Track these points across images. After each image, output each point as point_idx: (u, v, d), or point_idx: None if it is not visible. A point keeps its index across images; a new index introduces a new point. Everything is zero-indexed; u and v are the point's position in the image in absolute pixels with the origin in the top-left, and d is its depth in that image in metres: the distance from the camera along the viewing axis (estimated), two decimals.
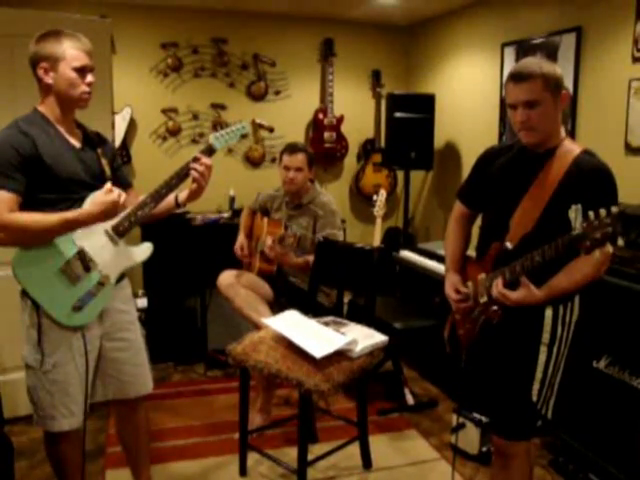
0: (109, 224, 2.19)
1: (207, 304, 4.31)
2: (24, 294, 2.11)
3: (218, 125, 4.80)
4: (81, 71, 2.08)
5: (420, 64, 5.25)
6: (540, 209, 1.99)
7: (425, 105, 4.64)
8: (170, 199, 2.32)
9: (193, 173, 2.23)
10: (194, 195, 2.29)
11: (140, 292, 4.42)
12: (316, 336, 2.66)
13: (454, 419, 3.09)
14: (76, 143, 2.18)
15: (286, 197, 3.50)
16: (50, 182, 2.05)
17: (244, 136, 4.57)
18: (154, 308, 4.30)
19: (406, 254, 4.22)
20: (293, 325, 2.77)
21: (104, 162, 2.24)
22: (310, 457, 2.71)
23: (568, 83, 3.50)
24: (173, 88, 4.77)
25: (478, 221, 2.35)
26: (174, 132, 4.79)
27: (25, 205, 2.02)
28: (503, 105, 3.99)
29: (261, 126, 5.01)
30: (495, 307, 2.09)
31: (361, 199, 5.30)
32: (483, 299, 2.14)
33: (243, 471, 2.92)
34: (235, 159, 5.00)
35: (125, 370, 2.33)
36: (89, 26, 3.19)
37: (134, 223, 2.22)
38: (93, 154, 2.22)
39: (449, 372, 3.60)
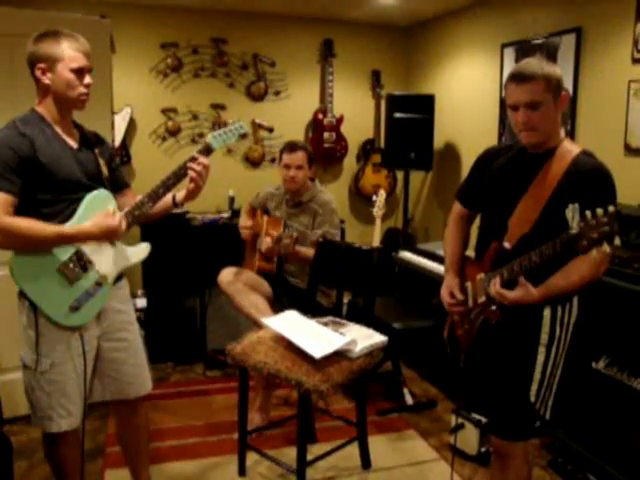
0: None
1: (206, 304, 4.32)
2: (21, 295, 2.11)
3: (217, 125, 4.81)
4: (79, 72, 2.07)
5: (420, 65, 5.25)
6: (539, 209, 1.99)
7: (425, 106, 4.64)
8: (168, 198, 2.32)
9: (191, 173, 2.22)
10: (192, 195, 2.29)
11: (139, 292, 4.42)
12: (315, 336, 2.66)
13: (453, 419, 3.09)
14: (73, 144, 2.17)
15: (286, 195, 3.51)
16: (47, 183, 2.05)
17: (243, 136, 4.57)
18: (153, 308, 4.30)
19: (405, 254, 4.22)
20: (292, 325, 2.77)
21: (101, 163, 2.24)
22: (309, 457, 2.71)
23: (568, 84, 3.51)
24: (173, 88, 4.77)
25: (477, 221, 2.35)
26: (174, 132, 4.79)
27: (21, 205, 2.01)
28: (503, 106, 3.99)
29: (261, 126, 5.01)
30: (494, 307, 2.09)
31: (360, 199, 5.31)
32: (481, 299, 2.14)
33: (242, 471, 2.92)
34: (235, 159, 5.00)
35: (124, 370, 2.33)
36: (89, 26, 3.20)
37: (131, 223, 2.22)
38: (90, 155, 2.22)
39: (448, 372, 3.60)
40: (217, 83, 4.87)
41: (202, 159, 2.24)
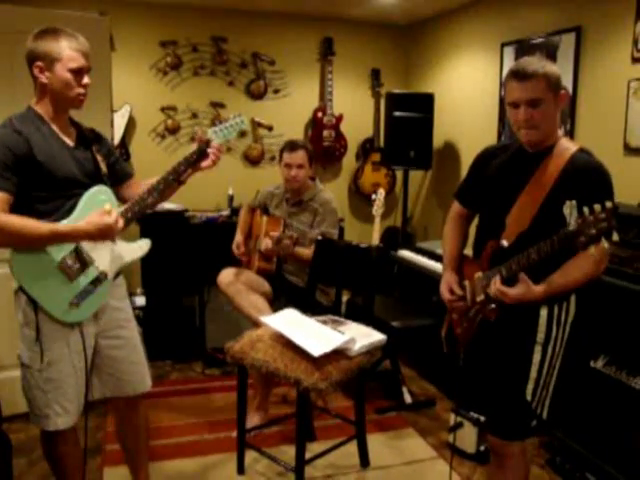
0: None
1: (205, 302, 4.32)
2: (19, 291, 2.10)
3: (217, 123, 4.79)
4: (77, 72, 2.05)
5: (419, 63, 5.25)
6: (536, 207, 1.99)
7: (424, 104, 4.64)
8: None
9: (212, 156, 2.25)
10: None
11: (139, 290, 4.43)
12: (314, 334, 2.66)
13: (452, 418, 3.10)
14: (70, 142, 2.16)
15: (286, 194, 3.51)
16: (44, 180, 2.04)
17: (243, 132, 4.58)
18: (152, 306, 4.31)
19: (404, 253, 4.22)
20: (291, 323, 2.77)
21: (99, 159, 2.24)
22: (308, 455, 2.71)
23: (567, 83, 3.51)
24: (172, 86, 4.77)
25: (475, 220, 2.35)
26: (173, 130, 4.79)
27: (18, 203, 2.00)
28: (502, 104, 4.00)
29: (260, 125, 5.01)
30: (492, 305, 2.09)
31: (360, 198, 5.31)
32: (480, 298, 2.14)
33: (241, 469, 2.92)
34: (234, 157, 5.00)
35: (122, 368, 2.32)
36: (88, 23, 3.20)
37: (131, 219, 2.21)
38: (88, 152, 2.21)
39: (447, 371, 3.60)
40: (217, 81, 4.87)
41: (216, 144, 2.27)
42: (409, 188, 4.97)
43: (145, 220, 3.87)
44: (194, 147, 2.29)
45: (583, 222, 1.69)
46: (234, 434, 2.97)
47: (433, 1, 4.50)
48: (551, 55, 3.62)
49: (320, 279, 3.29)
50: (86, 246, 2.12)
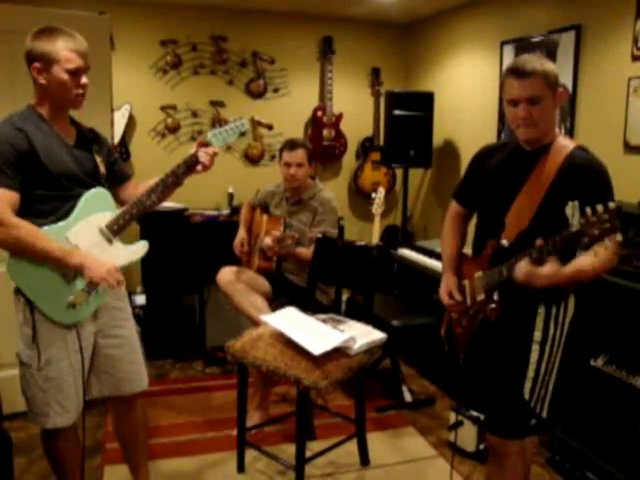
0: (103, 222, 2.18)
1: (205, 301, 4.33)
2: (18, 291, 2.11)
3: (217, 122, 4.81)
4: (75, 73, 2.04)
5: (419, 62, 5.25)
6: (535, 206, 1.99)
7: (424, 103, 4.64)
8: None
9: (203, 161, 2.23)
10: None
11: (139, 289, 4.43)
12: (314, 333, 2.66)
13: (452, 417, 3.10)
14: (70, 141, 2.17)
15: (286, 193, 3.51)
16: (44, 179, 2.04)
17: (243, 134, 4.57)
18: (153, 305, 4.31)
19: (404, 252, 4.23)
20: (292, 322, 2.78)
21: (99, 160, 2.24)
22: (308, 454, 2.71)
23: (567, 81, 3.51)
24: (172, 85, 4.77)
25: (474, 219, 2.35)
26: (173, 129, 4.79)
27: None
28: (502, 103, 3.98)
29: (260, 124, 5.01)
30: (493, 305, 2.09)
31: (360, 197, 5.31)
32: (480, 297, 2.14)
33: (241, 468, 2.92)
34: (234, 156, 5.00)
35: (120, 367, 2.33)
36: (88, 22, 3.19)
37: (129, 221, 2.22)
38: (87, 152, 2.21)
39: (447, 370, 3.61)
40: (216, 80, 4.87)
41: (211, 149, 2.25)
42: (409, 187, 4.97)
43: (145, 219, 3.87)
44: (195, 146, 2.29)
45: (586, 223, 1.68)
46: (234, 432, 2.97)
47: (433, 0, 4.49)
48: (551, 53, 3.62)
49: (320, 278, 3.29)
50: (84, 247, 2.12)
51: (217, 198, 4.81)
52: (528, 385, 2.07)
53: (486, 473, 2.46)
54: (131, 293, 4.28)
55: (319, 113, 5.04)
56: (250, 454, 2.97)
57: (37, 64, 2.03)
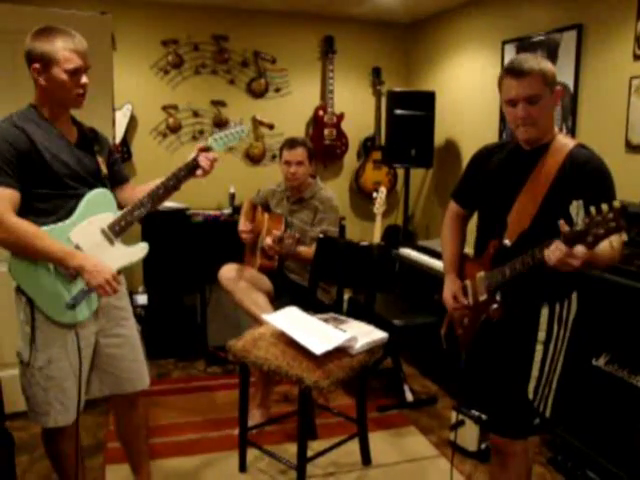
0: (105, 223, 2.19)
1: (207, 301, 4.33)
2: (19, 290, 2.11)
3: (218, 125, 4.81)
4: (74, 73, 2.04)
5: (420, 61, 5.24)
6: (537, 205, 1.98)
7: (425, 102, 4.64)
8: None
9: (204, 166, 2.25)
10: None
11: (140, 289, 4.43)
12: (316, 333, 2.66)
13: (453, 416, 3.10)
14: (72, 140, 2.17)
15: (287, 192, 3.51)
16: (45, 178, 2.04)
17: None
18: (154, 305, 4.31)
19: (406, 251, 4.23)
20: (293, 321, 2.78)
21: (100, 160, 2.24)
22: (310, 453, 2.72)
23: (569, 81, 3.51)
24: (173, 85, 4.77)
25: (474, 219, 2.34)
26: (174, 129, 4.79)
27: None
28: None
29: (261, 123, 5.01)
30: (495, 305, 2.09)
31: (361, 196, 5.31)
32: (483, 297, 2.14)
33: (243, 467, 2.93)
34: (235, 156, 5.00)
35: (121, 366, 2.33)
36: (90, 22, 3.20)
37: (130, 223, 2.22)
38: (89, 152, 2.22)
39: (448, 369, 3.60)
40: (218, 80, 4.87)
41: (211, 154, 2.28)
42: (410, 186, 4.97)
43: (147, 219, 3.84)
44: (195, 151, 2.30)
45: (591, 222, 1.67)
46: (236, 432, 2.97)
47: None
48: (552, 53, 3.62)
49: (322, 277, 3.29)
50: (85, 248, 2.13)
51: (218, 198, 4.82)
52: (532, 385, 2.06)
53: (489, 473, 2.46)
54: (133, 293, 4.28)
55: (320, 113, 5.04)
56: (252, 453, 2.97)
57: (36, 65, 2.02)
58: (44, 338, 2.11)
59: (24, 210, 2.02)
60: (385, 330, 2.87)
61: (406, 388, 3.71)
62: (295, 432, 2.74)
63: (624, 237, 1.67)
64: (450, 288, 2.27)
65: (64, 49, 2.01)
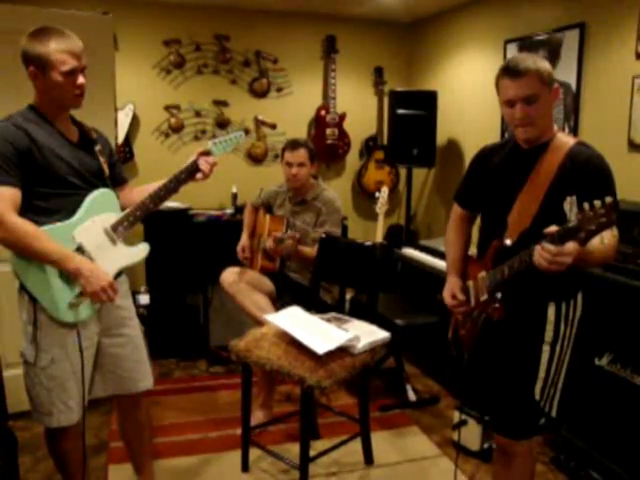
0: (108, 223, 2.19)
1: (209, 300, 4.33)
2: (22, 289, 2.11)
3: (221, 122, 4.81)
4: (70, 74, 2.03)
5: (422, 61, 5.24)
6: (537, 204, 1.98)
7: (427, 102, 4.63)
8: None
9: (203, 169, 2.28)
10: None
11: (143, 289, 4.43)
12: (318, 332, 2.66)
13: (456, 416, 3.10)
14: (73, 140, 2.17)
15: (289, 193, 3.51)
16: (46, 176, 2.05)
17: (246, 132, 4.60)
18: (156, 304, 4.31)
19: (408, 251, 4.22)
20: (296, 321, 2.78)
21: (102, 160, 2.25)
22: (312, 453, 2.72)
23: (571, 80, 3.50)
24: (176, 85, 4.77)
25: (478, 220, 2.34)
26: (177, 129, 4.79)
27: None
28: None
29: (263, 123, 5.01)
30: (496, 305, 2.08)
31: (363, 196, 5.31)
32: (484, 297, 2.13)
33: (245, 467, 2.93)
34: (237, 156, 5.00)
35: (125, 366, 2.33)
36: (91, 23, 3.20)
37: (133, 223, 2.23)
38: (91, 152, 2.22)
39: (451, 369, 3.60)
40: (220, 80, 4.87)
41: (211, 158, 2.31)
42: (412, 186, 4.96)
43: (149, 219, 3.85)
44: (195, 155, 2.32)
45: (583, 217, 1.66)
46: (238, 432, 2.97)
47: None
48: (555, 52, 3.61)
49: (324, 277, 3.29)
50: (88, 247, 2.13)
51: (221, 198, 4.82)
52: (539, 385, 2.05)
53: (492, 473, 2.45)
54: (135, 293, 4.28)
55: (322, 112, 5.04)
56: (254, 453, 2.98)
57: (32, 68, 2.03)
58: (47, 338, 2.12)
59: (24, 208, 2.02)
60: (387, 330, 2.87)
61: (408, 388, 3.70)
62: (297, 432, 2.74)
63: (615, 232, 1.67)
64: (449, 286, 2.29)
65: (58, 51, 2.00)
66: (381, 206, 3.98)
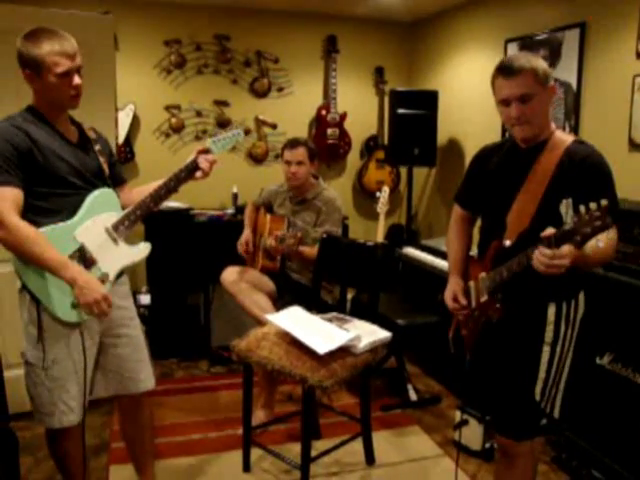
0: (109, 222, 2.20)
1: (210, 300, 4.33)
2: (23, 290, 2.11)
3: (221, 122, 4.81)
4: (65, 75, 2.03)
5: (423, 60, 5.24)
6: (535, 204, 1.96)
7: (428, 101, 4.63)
8: None
9: (203, 167, 2.28)
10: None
11: (144, 289, 4.43)
12: (320, 332, 2.66)
13: (457, 415, 3.09)
14: (72, 140, 2.18)
15: (290, 192, 3.51)
16: (46, 176, 2.05)
17: (247, 132, 4.60)
18: (158, 305, 4.31)
19: (409, 251, 4.22)
20: (297, 321, 2.78)
21: (102, 160, 2.25)
22: (313, 453, 2.72)
23: (572, 79, 3.50)
24: (176, 85, 4.77)
25: (479, 220, 2.34)
26: (177, 129, 4.79)
27: None
28: None
29: (264, 123, 5.01)
30: (497, 305, 2.08)
31: (364, 196, 5.31)
32: (484, 298, 2.13)
33: (246, 467, 2.93)
34: (238, 156, 5.00)
35: (126, 366, 2.33)
36: (92, 23, 3.20)
37: (134, 222, 2.23)
38: (91, 152, 2.22)
39: (452, 369, 3.60)
40: (220, 80, 4.87)
41: (210, 156, 2.31)
42: (413, 185, 4.96)
43: (150, 219, 3.86)
44: (194, 153, 2.32)
45: (579, 221, 1.65)
46: (240, 432, 2.97)
47: None
48: (555, 51, 3.61)
49: (325, 277, 3.29)
50: (90, 247, 2.13)
51: (221, 198, 4.82)
52: (539, 386, 2.04)
53: (494, 473, 2.44)
54: (136, 293, 4.28)
55: (323, 112, 5.04)
56: (256, 453, 2.98)
57: (28, 71, 2.03)
58: (50, 338, 2.12)
59: (24, 209, 2.02)
60: (388, 329, 2.87)
61: (410, 387, 3.70)
62: (299, 432, 2.74)
63: (611, 235, 1.66)
64: (451, 288, 2.27)
65: (51, 53, 2.00)
66: (382, 206, 3.98)
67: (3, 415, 2.49)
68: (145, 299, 4.33)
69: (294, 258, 3.37)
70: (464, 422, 3.01)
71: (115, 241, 2.21)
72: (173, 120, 4.76)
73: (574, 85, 3.49)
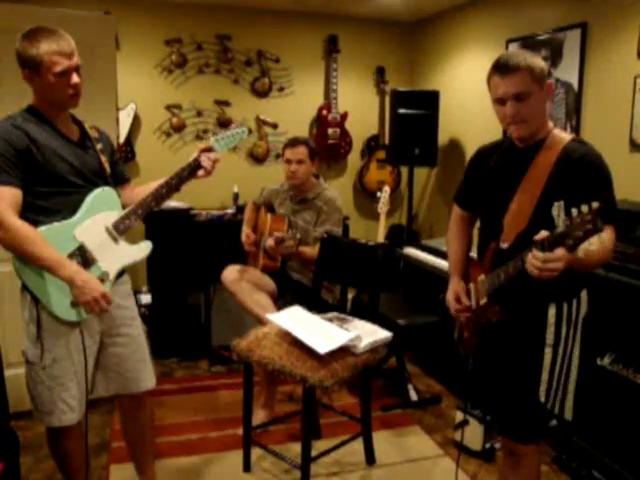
0: (110, 221, 2.19)
1: (211, 300, 4.33)
2: (24, 288, 2.12)
3: (222, 122, 4.81)
4: (63, 74, 2.03)
5: (424, 60, 5.24)
6: (532, 204, 1.93)
7: (429, 101, 4.63)
8: None
9: (206, 166, 2.28)
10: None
11: (144, 288, 4.43)
12: (320, 332, 2.66)
13: (458, 415, 3.10)
14: (73, 139, 2.18)
15: (290, 191, 3.51)
16: (47, 175, 2.05)
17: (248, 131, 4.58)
18: (158, 304, 4.31)
19: (410, 251, 4.22)
20: (297, 321, 2.78)
21: (103, 159, 2.25)
22: (314, 453, 2.72)
23: (573, 79, 3.50)
24: (177, 84, 4.77)
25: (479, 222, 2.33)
26: (178, 128, 4.79)
27: None
28: None
29: (265, 122, 5.01)
30: (496, 307, 2.07)
31: (365, 196, 5.30)
32: (483, 301, 2.12)
33: (247, 467, 2.93)
34: (239, 155, 5.00)
35: (127, 366, 2.33)
36: (93, 22, 3.20)
37: (134, 221, 2.23)
38: (92, 150, 2.23)
39: (453, 369, 3.60)
40: (221, 79, 4.87)
41: (212, 155, 2.30)
42: (414, 185, 4.96)
43: (150, 218, 3.87)
44: (197, 151, 2.32)
45: (571, 224, 1.62)
46: (240, 431, 2.97)
47: None
48: (557, 51, 3.61)
49: (325, 277, 3.29)
50: (90, 246, 2.13)
51: (222, 197, 4.82)
52: (543, 388, 2.01)
53: (499, 473, 2.43)
54: (137, 292, 4.28)
55: (324, 112, 5.04)
56: (256, 453, 2.98)
57: (26, 70, 2.03)
58: (50, 337, 2.12)
59: (25, 208, 2.02)
60: (389, 329, 2.87)
61: (410, 387, 3.70)
62: (299, 431, 2.74)
63: (607, 236, 1.64)
64: (453, 290, 2.26)
65: (49, 52, 2.00)
66: (382, 206, 3.98)
67: (4, 414, 2.49)
68: (146, 298, 4.33)
69: (294, 259, 3.37)
70: (464, 422, 3.01)
71: (115, 240, 2.20)
72: (174, 120, 4.76)
73: (575, 85, 3.49)
